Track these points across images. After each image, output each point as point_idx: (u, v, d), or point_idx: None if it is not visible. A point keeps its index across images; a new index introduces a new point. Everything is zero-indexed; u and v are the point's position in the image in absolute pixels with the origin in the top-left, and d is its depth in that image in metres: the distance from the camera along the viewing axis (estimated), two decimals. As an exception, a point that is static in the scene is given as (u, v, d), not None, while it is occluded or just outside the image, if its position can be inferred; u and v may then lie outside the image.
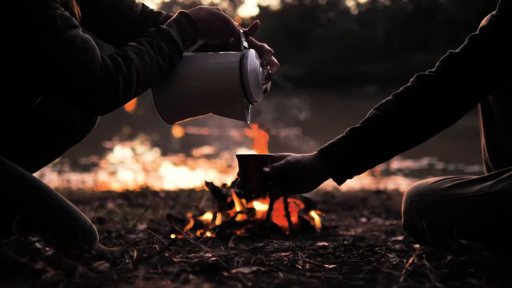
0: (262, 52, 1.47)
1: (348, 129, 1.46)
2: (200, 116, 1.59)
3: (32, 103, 1.59)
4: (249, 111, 1.49)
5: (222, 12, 1.42)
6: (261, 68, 1.43)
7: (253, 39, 1.49)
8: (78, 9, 1.40)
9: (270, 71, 1.46)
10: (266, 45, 1.49)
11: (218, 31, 1.43)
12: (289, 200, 2.45)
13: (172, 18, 1.42)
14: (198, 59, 1.46)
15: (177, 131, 11.42)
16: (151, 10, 1.57)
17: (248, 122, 1.48)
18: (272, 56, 1.49)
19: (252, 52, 1.42)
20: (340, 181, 1.45)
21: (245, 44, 1.45)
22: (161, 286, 1.10)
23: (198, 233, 2.37)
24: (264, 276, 1.24)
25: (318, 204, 2.69)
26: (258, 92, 1.45)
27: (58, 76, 1.32)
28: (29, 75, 1.39)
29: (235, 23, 1.45)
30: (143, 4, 1.58)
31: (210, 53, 1.47)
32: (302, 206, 2.50)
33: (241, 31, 1.46)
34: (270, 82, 1.51)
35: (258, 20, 1.53)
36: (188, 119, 1.61)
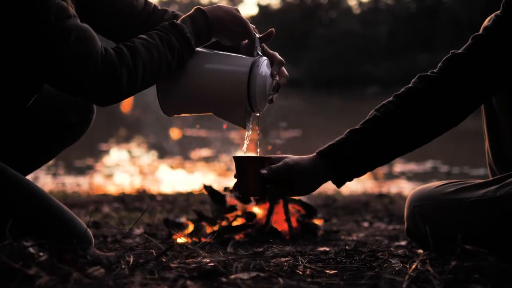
0: (273, 61, 1.45)
1: (347, 130, 1.43)
2: (199, 114, 1.57)
3: (26, 102, 1.56)
4: (251, 118, 1.46)
5: (240, 14, 1.40)
6: (270, 79, 1.41)
7: (265, 46, 1.47)
8: (72, 5, 1.37)
9: (279, 82, 1.43)
10: (277, 55, 1.46)
11: (234, 33, 1.41)
12: (290, 205, 2.42)
13: (188, 14, 1.39)
14: (208, 57, 1.43)
15: (174, 133, 11.43)
16: (155, 7, 1.54)
17: (249, 131, 1.45)
18: (283, 67, 1.46)
19: (264, 61, 1.40)
20: (339, 184, 1.43)
21: (259, 50, 1.42)
22: (158, 293, 1.07)
23: (196, 238, 2.33)
24: (264, 282, 1.22)
25: (319, 208, 2.66)
26: (263, 102, 1.42)
27: (55, 68, 1.29)
28: (25, 69, 1.36)
29: (252, 27, 1.42)
30: (145, 0, 1.55)
31: (222, 53, 1.45)
32: (302, 211, 2.48)
33: (257, 36, 1.43)
34: (276, 93, 1.49)
35: (273, 29, 1.51)
36: (187, 115, 1.59)
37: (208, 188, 2.50)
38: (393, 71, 25.99)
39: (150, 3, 1.64)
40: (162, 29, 1.34)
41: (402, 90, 1.50)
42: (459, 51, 1.51)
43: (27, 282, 1.08)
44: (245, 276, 1.25)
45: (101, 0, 1.60)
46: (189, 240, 2.27)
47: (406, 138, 1.49)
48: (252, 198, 2.31)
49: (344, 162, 1.40)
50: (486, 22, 1.53)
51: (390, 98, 1.51)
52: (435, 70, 1.52)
